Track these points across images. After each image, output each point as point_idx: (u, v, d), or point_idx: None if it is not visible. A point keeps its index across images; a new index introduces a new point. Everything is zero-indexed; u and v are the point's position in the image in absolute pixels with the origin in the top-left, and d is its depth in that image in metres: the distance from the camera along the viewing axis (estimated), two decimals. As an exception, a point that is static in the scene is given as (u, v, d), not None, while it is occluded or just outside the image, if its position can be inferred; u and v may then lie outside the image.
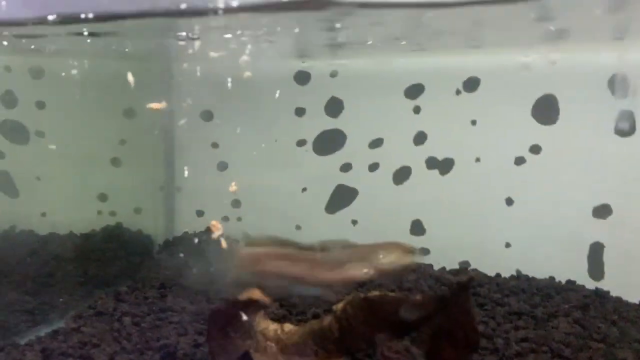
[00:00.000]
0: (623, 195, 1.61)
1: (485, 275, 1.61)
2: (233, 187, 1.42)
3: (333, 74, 1.84)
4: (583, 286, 1.56)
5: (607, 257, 1.63)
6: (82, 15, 0.93)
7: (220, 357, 1.00)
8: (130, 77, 1.20)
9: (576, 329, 1.25)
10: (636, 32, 1.46)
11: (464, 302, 0.90)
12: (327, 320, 1.01)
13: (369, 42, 1.73)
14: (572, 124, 1.63)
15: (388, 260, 1.13)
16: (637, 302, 1.50)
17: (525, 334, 1.21)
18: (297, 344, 1.02)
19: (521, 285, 1.53)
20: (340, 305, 1.02)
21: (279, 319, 1.21)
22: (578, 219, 1.65)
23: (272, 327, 1.06)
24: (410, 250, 1.15)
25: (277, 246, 1.15)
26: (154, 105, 1.21)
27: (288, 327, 1.06)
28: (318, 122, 1.86)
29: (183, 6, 0.92)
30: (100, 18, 0.94)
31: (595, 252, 1.64)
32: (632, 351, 1.14)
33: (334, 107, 1.85)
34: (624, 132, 1.58)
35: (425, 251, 1.77)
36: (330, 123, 1.85)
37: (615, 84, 1.57)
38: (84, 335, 1.26)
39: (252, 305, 1.03)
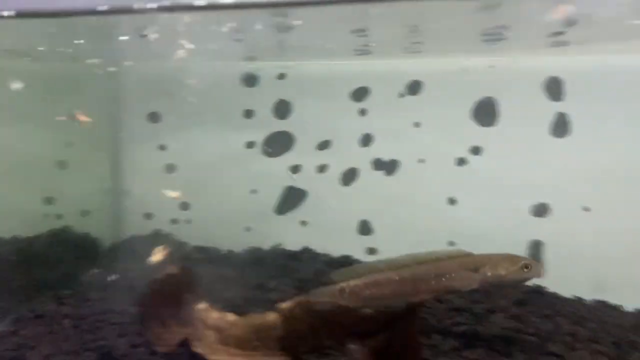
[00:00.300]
0: (560, 194, 1.68)
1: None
2: (174, 194, 1.42)
3: (281, 76, 1.86)
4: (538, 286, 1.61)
5: (547, 254, 1.69)
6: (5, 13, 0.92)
7: (157, 344, 0.99)
8: (72, 79, 1.19)
9: (512, 323, 1.29)
10: (569, 37, 1.54)
11: (413, 324, 0.91)
12: (272, 317, 1.01)
13: (316, 45, 1.76)
14: (511, 125, 1.69)
15: (495, 273, 1.14)
16: (572, 297, 1.56)
17: (463, 329, 1.24)
18: (238, 335, 1.01)
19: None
20: (288, 305, 1.02)
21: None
22: (518, 217, 1.71)
23: (214, 315, 1.05)
24: (524, 265, 1.14)
25: (378, 269, 1.16)
26: (81, 117, 1.21)
27: (231, 317, 1.05)
28: (267, 124, 1.88)
29: (104, 6, 0.92)
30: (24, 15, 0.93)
31: (535, 250, 1.70)
32: (563, 344, 1.18)
33: (283, 109, 1.87)
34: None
35: (372, 250, 1.80)
36: (279, 125, 1.87)
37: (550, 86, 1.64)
38: (20, 338, 1.23)
39: (179, 285, 1.01)
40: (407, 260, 1.18)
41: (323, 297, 1.14)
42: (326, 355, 0.98)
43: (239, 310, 1.21)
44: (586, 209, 1.65)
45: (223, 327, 1.02)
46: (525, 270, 1.13)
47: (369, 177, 1.82)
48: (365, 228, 1.84)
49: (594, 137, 1.63)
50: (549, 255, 1.68)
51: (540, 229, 1.69)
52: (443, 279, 1.15)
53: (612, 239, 1.61)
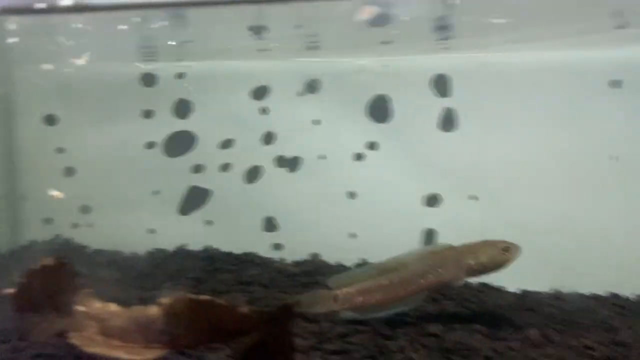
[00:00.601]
0: (449, 185, 1.79)
1: (326, 265, 1.71)
2: (56, 194, 1.40)
3: (180, 76, 1.86)
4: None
5: (438, 241, 1.80)
6: None
7: (32, 335, 0.97)
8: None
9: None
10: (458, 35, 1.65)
11: (286, 325, 0.94)
12: (153, 310, 1.01)
13: (215, 43, 1.78)
14: (403, 121, 1.78)
15: (479, 261, 1.23)
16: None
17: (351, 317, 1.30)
18: (119, 326, 1.00)
19: (359, 272, 1.64)
20: (169, 300, 1.03)
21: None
22: (412, 208, 1.80)
23: (96, 305, 1.03)
24: (503, 248, 1.22)
25: (369, 275, 1.27)
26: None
27: (113, 307, 1.04)
28: (167, 124, 1.87)
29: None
30: None
31: (428, 238, 1.80)
32: (444, 325, 1.27)
33: (183, 108, 1.86)
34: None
35: (278, 246, 1.85)
36: (179, 125, 1.87)
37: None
38: None
39: (58, 276, 1.00)
40: (395, 264, 1.27)
41: (317, 302, 1.25)
42: (207, 350, 1.01)
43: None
44: (473, 198, 1.77)
45: (104, 317, 1.01)
46: (505, 253, 1.22)
47: (272, 175, 1.85)
48: (270, 225, 1.87)
49: (478, 131, 1.75)
50: (439, 242, 1.79)
51: (432, 218, 1.79)
52: (430, 276, 1.24)
53: (497, 224, 1.74)
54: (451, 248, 1.26)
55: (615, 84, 1.64)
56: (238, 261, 1.64)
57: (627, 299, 1.57)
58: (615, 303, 1.52)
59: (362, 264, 1.77)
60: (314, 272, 1.58)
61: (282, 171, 1.85)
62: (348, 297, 1.24)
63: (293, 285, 1.46)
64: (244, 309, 0.93)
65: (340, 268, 1.71)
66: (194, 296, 0.95)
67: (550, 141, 1.70)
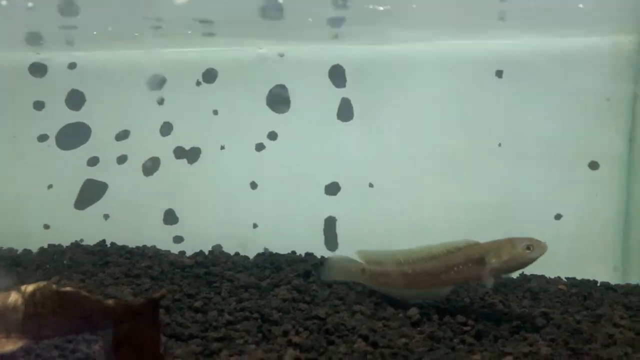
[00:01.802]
0: (347, 173, 1.84)
1: (225, 255, 1.72)
2: None
3: (72, 66, 1.81)
4: (314, 255, 1.75)
5: (340, 229, 1.85)
6: None
7: None
8: None
9: (293, 294, 1.41)
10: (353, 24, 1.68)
11: (152, 317, 0.94)
12: (13, 298, 0.99)
13: (108, 31, 1.74)
14: (302, 111, 1.82)
15: (501, 260, 1.21)
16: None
17: (243, 305, 1.32)
18: None
19: (257, 261, 1.67)
20: (29, 289, 1.00)
21: None
22: (313, 197, 1.84)
23: None
24: (526, 246, 1.20)
25: (396, 261, 1.30)
26: None
27: None
28: (59, 116, 1.82)
29: None
30: None
31: (329, 226, 1.85)
32: (330, 308, 1.31)
33: (76, 99, 1.82)
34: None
35: (179, 239, 1.84)
36: (72, 116, 1.82)
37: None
38: None
39: None
40: (422, 254, 1.29)
41: (346, 269, 1.34)
42: (81, 341, 1.01)
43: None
44: (370, 185, 1.83)
45: None
46: (528, 251, 1.21)
47: (171, 166, 1.84)
48: (170, 217, 1.86)
49: (373, 120, 1.81)
50: (341, 229, 1.84)
51: (333, 206, 1.85)
52: (452, 272, 1.26)
53: (392, 209, 1.81)
54: (475, 246, 1.27)
55: (499, 73, 1.75)
56: (130, 254, 1.62)
57: (507, 278, 1.67)
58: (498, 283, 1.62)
59: (263, 254, 1.79)
60: (209, 264, 1.58)
61: (181, 162, 1.84)
62: (373, 276, 1.32)
63: (185, 277, 1.46)
64: (110, 301, 0.93)
65: (241, 259, 1.72)
66: (56, 286, 0.94)
67: (442, 130, 1.79)
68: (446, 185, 1.79)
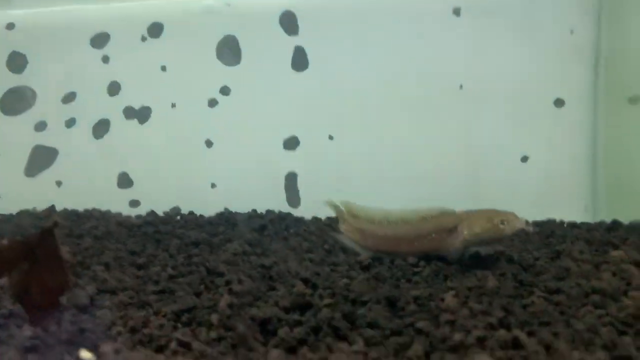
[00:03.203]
0: (305, 126, 1.79)
1: (181, 215, 1.68)
2: None
3: (10, 27, 1.74)
4: (273, 211, 1.71)
5: (301, 184, 1.81)
6: None
7: None
8: None
9: (244, 248, 1.37)
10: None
11: (51, 246, 0.92)
12: None
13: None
14: (255, 62, 1.76)
15: (473, 232, 1.18)
16: (311, 218, 1.68)
17: (191, 260, 1.29)
18: None
19: (212, 219, 1.63)
20: None
21: None
22: (272, 152, 1.80)
23: None
24: (500, 221, 1.17)
25: (371, 219, 1.29)
26: None
27: None
28: (1, 80, 1.76)
29: None
30: None
31: (290, 182, 1.81)
32: (278, 257, 1.28)
33: (17, 62, 1.76)
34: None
35: (135, 203, 1.80)
36: (15, 80, 1.76)
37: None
38: None
39: None
40: (398, 218, 1.26)
41: (337, 210, 1.35)
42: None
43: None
44: (330, 138, 1.78)
45: None
46: (502, 226, 1.18)
47: (121, 127, 1.79)
48: (125, 181, 1.82)
49: (329, 69, 1.75)
50: (303, 185, 1.80)
51: (293, 161, 1.80)
52: (425, 241, 1.24)
53: (353, 161, 1.77)
54: (450, 215, 1.24)
55: (457, 12, 1.69)
56: (77, 217, 1.58)
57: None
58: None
59: (222, 213, 1.75)
60: (159, 223, 1.55)
61: (132, 123, 1.79)
62: (348, 229, 1.33)
63: (132, 236, 1.43)
64: (4, 242, 0.91)
65: (194, 218, 1.68)
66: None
67: (401, 75, 1.73)
68: (408, 133, 1.74)
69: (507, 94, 1.69)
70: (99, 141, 1.79)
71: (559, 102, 1.68)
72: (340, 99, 1.75)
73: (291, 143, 1.79)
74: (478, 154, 1.72)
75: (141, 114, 1.78)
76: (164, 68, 1.76)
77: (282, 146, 1.79)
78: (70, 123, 1.78)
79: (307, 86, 1.76)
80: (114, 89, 1.77)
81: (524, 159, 1.71)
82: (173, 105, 1.78)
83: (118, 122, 1.78)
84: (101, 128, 1.79)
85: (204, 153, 1.80)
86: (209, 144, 1.80)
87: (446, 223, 1.24)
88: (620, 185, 1.62)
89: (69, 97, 1.77)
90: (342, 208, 1.35)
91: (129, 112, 1.78)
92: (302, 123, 1.78)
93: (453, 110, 1.70)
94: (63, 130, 1.78)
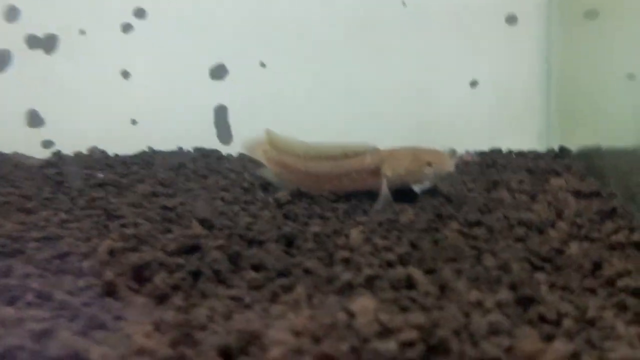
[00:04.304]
0: (234, 52, 1.68)
1: (94, 155, 1.59)
2: None
3: None
4: (203, 149, 1.63)
5: (232, 118, 1.71)
6: None
7: None
8: None
9: (155, 188, 1.30)
10: None
11: None
12: None
13: None
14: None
15: (396, 173, 1.11)
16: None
17: (95, 203, 1.21)
18: None
19: (126, 159, 1.55)
20: None
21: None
22: (197, 83, 1.69)
23: None
24: (427, 163, 1.10)
25: (294, 153, 1.23)
26: None
27: None
28: None
29: None
30: None
31: (220, 116, 1.71)
32: (188, 197, 1.21)
33: None
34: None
35: (48, 144, 1.69)
36: None
37: None
38: None
39: None
40: (320, 153, 1.20)
41: (252, 144, 1.31)
42: None
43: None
44: (262, 65, 1.68)
45: None
46: (428, 167, 1.10)
47: (25, 59, 1.66)
48: (35, 119, 1.70)
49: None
50: (234, 118, 1.70)
51: (222, 92, 1.70)
52: (345, 180, 1.18)
53: (289, 91, 1.68)
54: (374, 153, 1.17)
55: None
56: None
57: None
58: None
59: (146, 152, 1.66)
60: (61, 164, 1.46)
61: (37, 53, 1.66)
62: (271, 162, 1.28)
63: (29, 178, 1.34)
64: None
65: (104, 157, 1.59)
66: None
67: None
68: (347, 56, 1.64)
69: (453, 11, 1.58)
70: (1, 76, 1.66)
71: (511, 19, 1.59)
72: (272, 20, 1.64)
73: (218, 72, 1.69)
74: (423, 78, 1.63)
75: (47, 43, 1.65)
76: (68, -11, 1.62)
77: (208, 75, 1.68)
78: (-34, 55, 1.65)
79: (234, 6, 1.63)
80: (12, 14, 1.63)
81: (473, 83, 1.63)
82: (82, 32, 1.65)
83: (21, 52, 1.65)
84: (1, 60, 1.65)
85: (120, 86, 1.69)
86: (125, 75, 1.68)
87: (368, 162, 1.17)
88: (576, 111, 1.55)
89: (-38, 25, 1.63)
90: (266, 137, 1.27)
91: (33, 41, 1.65)
92: (230, 49, 1.67)
93: (395, 31, 1.60)
94: (-43, 63, 1.65)
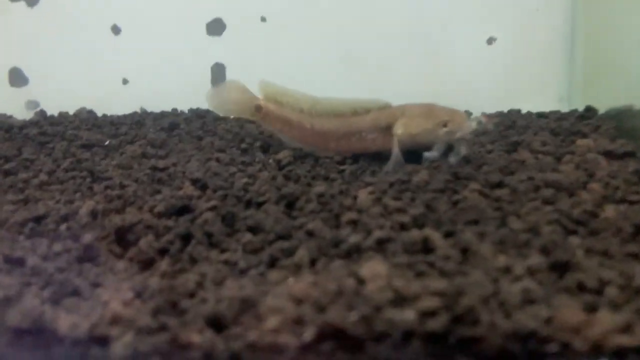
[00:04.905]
0: (232, 5, 1.58)
1: (81, 115, 1.51)
2: None
3: None
4: (198, 109, 1.55)
5: (231, 77, 1.62)
6: None
7: None
8: None
9: (145, 149, 1.22)
10: None
11: None
12: None
13: None
14: None
15: (407, 132, 1.02)
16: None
17: (80, 165, 1.14)
18: None
19: (115, 119, 1.47)
20: None
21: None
22: (193, 39, 1.60)
23: None
24: (442, 123, 1.00)
25: (298, 108, 1.16)
26: None
27: None
28: None
29: None
30: None
31: (218, 75, 1.63)
32: (181, 158, 1.14)
33: None
34: None
35: (33, 104, 1.61)
36: None
37: None
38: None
39: None
40: (328, 108, 1.13)
41: (236, 97, 1.23)
42: None
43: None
44: (263, 20, 1.59)
45: None
46: (444, 128, 1.00)
47: (7, 12, 1.57)
48: (18, 78, 1.62)
49: None
50: (232, 77, 1.61)
51: (219, 49, 1.61)
52: (353, 139, 1.10)
53: (292, 48, 1.59)
54: (385, 110, 1.08)
55: None
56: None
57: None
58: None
59: (140, 113, 1.58)
60: (46, 124, 1.38)
61: (19, 6, 1.57)
62: (269, 117, 1.18)
63: (9, 139, 1.27)
64: None
65: (93, 117, 1.51)
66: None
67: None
68: (353, 11, 1.55)
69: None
70: (-20, 31, 1.58)
71: (532, -31, 1.49)
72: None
73: (215, 27, 1.59)
74: (435, 34, 1.54)
75: (29, -4, 1.56)
76: None
77: (204, 31, 1.59)
78: (-58, 8, 1.56)
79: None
80: (-9, -38, 1.54)
81: (490, 40, 1.54)
82: (67, -16, 1.56)
83: (2, 5, 1.56)
84: (-18, 15, 1.57)
85: (110, 42, 1.60)
86: (115, 30, 1.59)
87: (379, 120, 1.08)
88: (601, 73, 1.46)
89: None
90: (259, 93, 1.19)
91: (14, -7, 1.56)
92: (228, 1, 1.58)
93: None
94: None
